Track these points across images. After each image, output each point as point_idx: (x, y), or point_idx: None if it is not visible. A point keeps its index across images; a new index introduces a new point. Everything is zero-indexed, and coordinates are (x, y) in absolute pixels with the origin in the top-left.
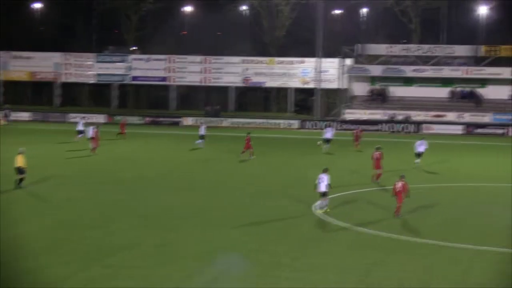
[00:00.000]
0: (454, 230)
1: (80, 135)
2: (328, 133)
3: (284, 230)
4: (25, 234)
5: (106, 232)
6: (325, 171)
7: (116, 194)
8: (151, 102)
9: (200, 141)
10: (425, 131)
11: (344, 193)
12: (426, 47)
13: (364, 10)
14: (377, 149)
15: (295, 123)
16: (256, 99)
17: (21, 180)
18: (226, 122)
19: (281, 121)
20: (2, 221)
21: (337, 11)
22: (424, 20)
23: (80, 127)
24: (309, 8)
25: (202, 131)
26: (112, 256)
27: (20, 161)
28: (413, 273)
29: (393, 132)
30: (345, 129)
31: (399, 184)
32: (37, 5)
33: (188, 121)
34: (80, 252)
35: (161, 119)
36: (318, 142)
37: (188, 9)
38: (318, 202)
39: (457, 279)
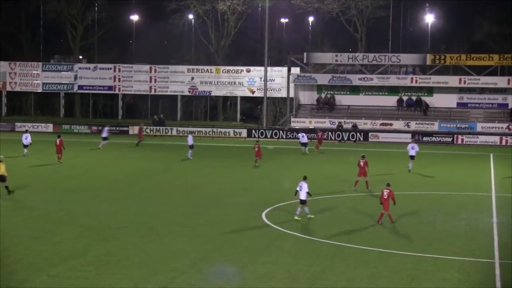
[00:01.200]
0: (399, 238)
1: (104, 142)
2: (304, 138)
3: (230, 239)
4: None
5: (50, 242)
6: (304, 178)
7: (60, 204)
8: (98, 111)
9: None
10: (372, 140)
11: (292, 201)
12: (372, 55)
13: (310, 19)
14: (363, 157)
15: (243, 132)
16: (203, 108)
17: (6, 187)
18: (173, 131)
19: (229, 129)
20: None
21: (284, 20)
22: (370, 29)
23: (105, 134)
24: (255, 17)
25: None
26: (58, 266)
27: (1, 169)
28: (359, 281)
29: (340, 140)
30: (290, 138)
31: (385, 192)
32: None
33: (136, 130)
34: (26, 262)
35: (108, 128)
36: (269, 147)
37: (134, 18)
38: (298, 210)
39: (402, 286)
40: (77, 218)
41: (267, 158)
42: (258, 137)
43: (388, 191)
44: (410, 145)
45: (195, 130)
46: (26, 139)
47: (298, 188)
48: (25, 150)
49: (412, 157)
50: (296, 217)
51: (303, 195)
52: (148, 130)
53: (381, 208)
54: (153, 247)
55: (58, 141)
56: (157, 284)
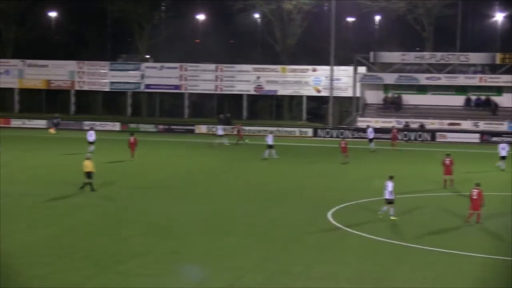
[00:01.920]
0: (468, 239)
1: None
2: (371, 134)
3: (295, 238)
4: (36, 240)
5: (117, 239)
6: (390, 178)
7: (127, 201)
8: (164, 110)
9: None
10: (439, 140)
11: (359, 201)
12: (440, 54)
13: (377, 18)
14: (447, 155)
15: (309, 131)
16: (268, 107)
17: (90, 184)
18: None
19: (295, 129)
20: (12, 227)
21: (350, 19)
22: (438, 28)
23: (220, 132)
24: (321, 16)
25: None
26: (125, 263)
27: (88, 166)
28: (425, 282)
29: (407, 140)
30: (356, 138)
31: (474, 192)
32: (52, 14)
33: (202, 129)
34: (93, 259)
35: (175, 127)
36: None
37: (200, 17)
38: (384, 208)
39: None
40: (143, 215)
41: (333, 157)
42: (324, 136)
43: (477, 190)
44: (501, 145)
45: (261, 129)
46: (91, 136)
47: (384, 188)
48: (91, 147)
49: (503, 158)
50: (379, 214)
51: (388, 194)
52: (213, 129)
53: (468, 208)
54: (218, 245)
55: (132, 139)
56: (222, 282)
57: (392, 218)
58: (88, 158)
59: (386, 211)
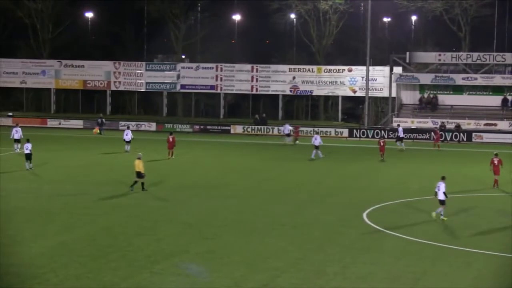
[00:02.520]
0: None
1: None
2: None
3: (330, 238)
4: (73, 240)
5: (153, 239)
6: (442, 179)
7: (163, 201)
8: (200, 110)
9: (127, 147)
10: (475, 140)
11: (395, 201)
12: (476, 55)
13: (413, 18)
14: (496, 155)
15: (344, 132)
16: (304, 108)
17: (142, 184)
18: (274, 130)
19: (330, 129)
20: (51, 228)
21: (386, 19)
22: (475, 28)
23: (286, 131)
24: (357, 16)
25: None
26: (160, 263)
27: (139, 166)
28: (462, 283)
29: (444, 141)
30: (392, 138)
31: (495, 160)
32: (88, 14)
33: (237, 129)
34: (128, 259)
35: (210, 127)
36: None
37: (236, 17)
38: (439, 209)
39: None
40: (179, 215)
41: (369, 158)
42: (360, 136)
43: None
44: None
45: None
46: (127, 135)
47: (436, 189)
48: (127, 147)
49: None
50: (433, 215)
51: (440, 195)
52: (249, 129)
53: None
54: (253, 245)
55: (171, 138)
56: (257, 282)
57: (443, 218)
58: (139, 158)
59: (440, 211)
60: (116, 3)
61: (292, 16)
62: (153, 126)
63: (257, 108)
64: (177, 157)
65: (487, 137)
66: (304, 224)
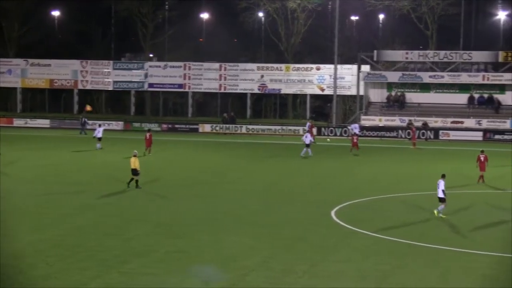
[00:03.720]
0: (475, 237)
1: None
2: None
3: (299, 237)
4: (41, 240)
5: (122, 239)
6: (442, 176)
7: (133, 200)
8: (168, 109)
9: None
10: (442, 138)
11: (364, 199)
12: (443, 53)
13: (381, 17)
14: (482, 151)
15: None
16: (272, 106)
17: (136, 181)
18: (243, 129)
19: (299, 127)
20: (20, 228)
21: (354, 18)
22: (441, 26)
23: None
24: (325, 15)
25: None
26: (129, 263)
27: (135, 163)
28: (429, 280)
29: (410, 139)
30: (361, 136)
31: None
32: (55, 13)
33: (206, 128)
34: (97, 258)
35: (178, 126)
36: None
37: (204, 16)
38: (440, 207)
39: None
40: (150, 214)
41: (337, 156)
42: (328, 135)
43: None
44: None
45: (265, 128)
46: (99, 132)
47: (437, 187)
48: (98, 145)
49: None
50: (435, 212)
51: (440, 193)
52: (217, 128)
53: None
54: (223, 244)
55: (148, 135)
56: (227, 281)
57: (442, 216)
58: (134, 155)
59: (440, 209)
60: (83, 2)
61: (260, 14)
62: (120, 125)
63: (225, 107)
64: (146, 157)
65: (454, 135)
66: (273, 223)
